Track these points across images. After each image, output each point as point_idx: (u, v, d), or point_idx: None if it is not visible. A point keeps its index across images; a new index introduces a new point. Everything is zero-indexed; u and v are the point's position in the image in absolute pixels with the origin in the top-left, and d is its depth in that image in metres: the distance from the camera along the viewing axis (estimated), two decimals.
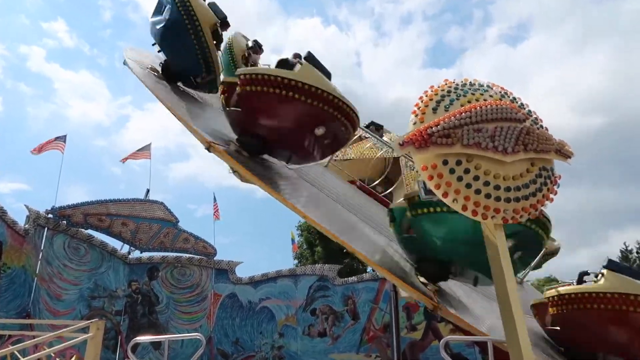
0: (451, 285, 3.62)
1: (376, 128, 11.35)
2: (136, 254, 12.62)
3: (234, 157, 3.49)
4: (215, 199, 15.20)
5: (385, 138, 9.99)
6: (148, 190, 13.39)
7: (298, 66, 3.67)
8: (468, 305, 3.56)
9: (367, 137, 9.73)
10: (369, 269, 15.12)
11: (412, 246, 3.47)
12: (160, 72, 5.72)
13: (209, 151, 3.37)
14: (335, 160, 8.57)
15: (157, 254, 12.73)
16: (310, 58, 3.81)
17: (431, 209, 3.10)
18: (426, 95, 2.57)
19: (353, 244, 3.07)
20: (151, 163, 14.42)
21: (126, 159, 13.49)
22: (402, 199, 3.45)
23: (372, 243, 3.87)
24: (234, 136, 4.04)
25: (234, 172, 3.73)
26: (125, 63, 4.81)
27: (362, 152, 9.52)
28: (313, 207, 4.02)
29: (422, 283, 3.26)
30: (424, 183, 2.40)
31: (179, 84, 5.81)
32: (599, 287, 3.37)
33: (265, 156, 4.24)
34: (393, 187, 8.77)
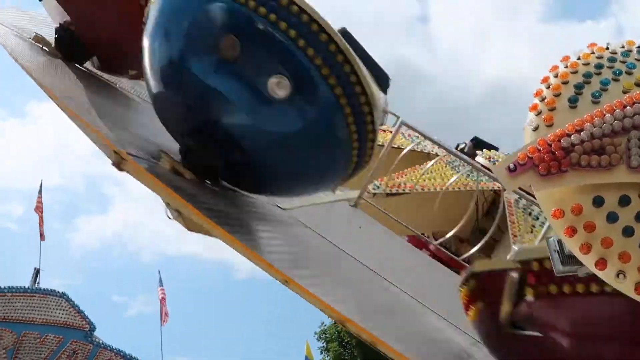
0: None
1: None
2: None
3: (162, 179, 3.73)
4: (161, 283, 15.31)
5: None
6: (38, 271, 13.62)
7: None
8: None
9: (433, 151, 10.09)
10: None
11: None
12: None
13: (119, 168, 3.61)
14: (373, 192, 8.80)
15: None
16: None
17: None
18: (555, 75, 2.58)
19: None
20: (43, 218, 14.69)
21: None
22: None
23: None
24: (174, 147, 4.41)
25: (174, 211, 3.94)
26: None
27: (430, 181, 9.72)
28: (340, 288, 4.24)
29: None
30: (559, 243, 2.40)
31: (88, 65, 6.32)
32: None
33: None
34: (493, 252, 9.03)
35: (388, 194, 9.21)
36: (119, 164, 3.60)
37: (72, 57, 6.14)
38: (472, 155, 11.75)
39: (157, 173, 3.87)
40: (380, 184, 9.04)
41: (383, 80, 4.47)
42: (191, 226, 3.77)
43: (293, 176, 4.62)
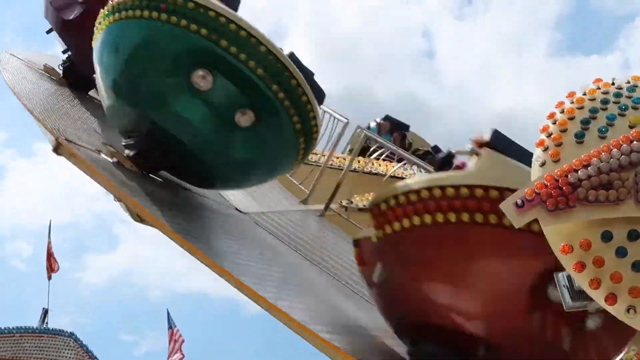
0: None
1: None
2: None
3: (97, 166, 4.02)
4: (171, 323, 15.23)
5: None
6: (46, 312, 13.59)
7: None
8: None
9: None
10: None
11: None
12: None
13: (56, 153, 3.90)
14: (345, 206, 9.33)
15: None
16: None
17: None
18: (562, 111, 2.60)
19: None
20: (54, 257, 14.72)
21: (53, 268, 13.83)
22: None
23: None
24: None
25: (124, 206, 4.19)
26: None
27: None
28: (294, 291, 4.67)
29: None
30: (569, 279, 2.40)
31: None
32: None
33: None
34: None
35: (360, 209, 9.58)
36: (56, 149, 3.90)
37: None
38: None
39: (93, 159, 4.16)
40: (354, 200, 9.55)
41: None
42: (136, 216, 3.96)
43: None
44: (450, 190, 3.44)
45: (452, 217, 3.42)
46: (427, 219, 3.48)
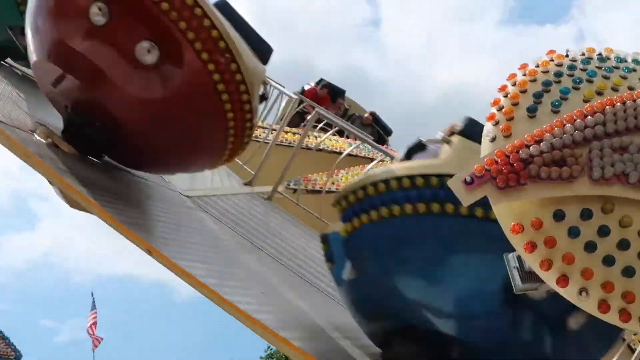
0: None
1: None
2: None
3: (33, 149, 3.76)
4: (94, 306, 15.31)
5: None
6: None
7: None
8: None
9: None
10: None
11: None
12: None
13: None
14: (293, 189, 9.23)
15: None
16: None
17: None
18: (514, 84, 2.55)
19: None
20: None
21: None
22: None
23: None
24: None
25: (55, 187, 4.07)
26: None
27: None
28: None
29: None
30: (519, 259, 2.36)
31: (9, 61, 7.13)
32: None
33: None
34: None
35: (308, 191, 9.56)
36: None
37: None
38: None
39: (28, 142, 3.97)
40: (301, 181, 9.55)
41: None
42: (72, 203, 3.84)
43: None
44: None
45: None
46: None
